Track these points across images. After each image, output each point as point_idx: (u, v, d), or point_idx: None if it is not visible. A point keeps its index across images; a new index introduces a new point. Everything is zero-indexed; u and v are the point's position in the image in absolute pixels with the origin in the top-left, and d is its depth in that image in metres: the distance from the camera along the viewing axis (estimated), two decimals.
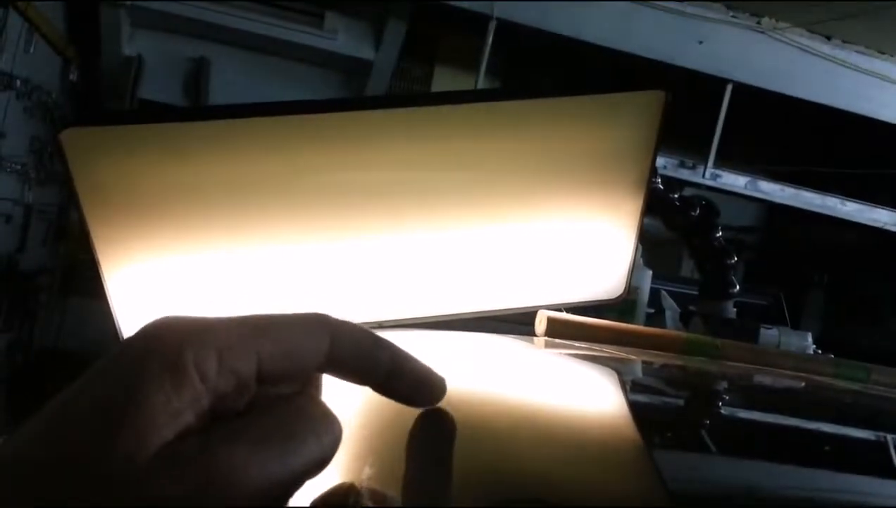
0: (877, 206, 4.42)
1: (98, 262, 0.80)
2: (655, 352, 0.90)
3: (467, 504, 0.41)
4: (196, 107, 3.46)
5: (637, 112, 0.78)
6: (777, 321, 2.77)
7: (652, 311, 1.71)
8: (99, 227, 0.78)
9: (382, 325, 0.88)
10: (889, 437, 0.67)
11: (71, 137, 0.72)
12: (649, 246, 1.47)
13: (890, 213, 4.43)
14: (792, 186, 4.36)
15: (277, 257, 0.86)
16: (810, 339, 1.22)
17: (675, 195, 1.26)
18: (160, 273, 0.83)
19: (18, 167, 3.49)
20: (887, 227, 4.43)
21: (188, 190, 0.80)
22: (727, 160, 4.27)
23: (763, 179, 4.35)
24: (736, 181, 4.30)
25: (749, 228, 5.46)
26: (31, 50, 3.43)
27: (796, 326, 4.87)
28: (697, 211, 1.25)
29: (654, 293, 1.64)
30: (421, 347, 0.84)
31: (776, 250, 5.46)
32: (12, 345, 3.64)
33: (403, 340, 0.87)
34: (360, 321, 0.97)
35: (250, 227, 0.85)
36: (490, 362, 0.79)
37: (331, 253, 0.87)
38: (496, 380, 0.70)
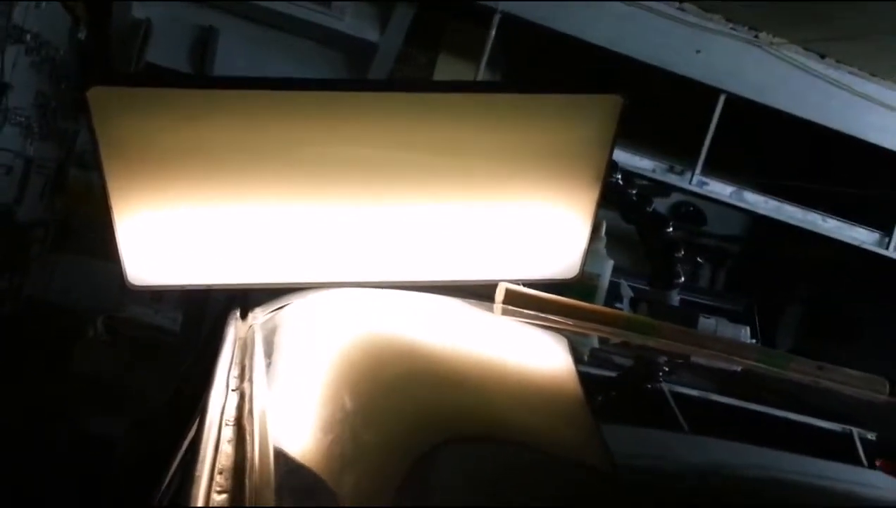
0: (857, 224, 4.53)
1: (111, 209, 0.90)
2: (599, 326, 1.00)
3: (426, 441, 0.51)
4: (214, 77, 3.53)
5: (596, 113, 0.87)
6: (750, 329, 2.86)
7: (619, 306, 1.81)
8: (114, 178, 0.88)
9: (360, 285, 0.98)
10: (794, 414, 0.78)
11: (97, 95, 0.82)
12: (617, 245, 1.56)
13: (869, 232, 4.54)
14: (775, 199, 4.46)
15: (272, 217, 0.96)
16: (746, 332, 1.32)
17: (633, 191, 1.36)
18: (167, 224, 0.93)
19: (22, 120, 3.54)
20: (865, 246, 4.54)
21: (198, 151, 0.90)
22: (716, 169, 4.37)
23: (748, 190, 4.46)
24: (722, 190, 4.40)
25: (734, 237, 5.57)
26: (43, 5, 3.48)
27: (772, 337, 4.94)
28: (651, 207, 1.35)
29: (617, 287, 1.73)
30: (391, 303, 0.94)
31: (758, 261, 5.56)
32: (1, 293, 3.71)
33: (379, 296, 0.97)
34: (336, 279, 1.07)
35: (250, 188, 0.95)
36: (452, 321, 0.89)
37: (319, 217, 0.97)
38: (457, 336, 0.80)
